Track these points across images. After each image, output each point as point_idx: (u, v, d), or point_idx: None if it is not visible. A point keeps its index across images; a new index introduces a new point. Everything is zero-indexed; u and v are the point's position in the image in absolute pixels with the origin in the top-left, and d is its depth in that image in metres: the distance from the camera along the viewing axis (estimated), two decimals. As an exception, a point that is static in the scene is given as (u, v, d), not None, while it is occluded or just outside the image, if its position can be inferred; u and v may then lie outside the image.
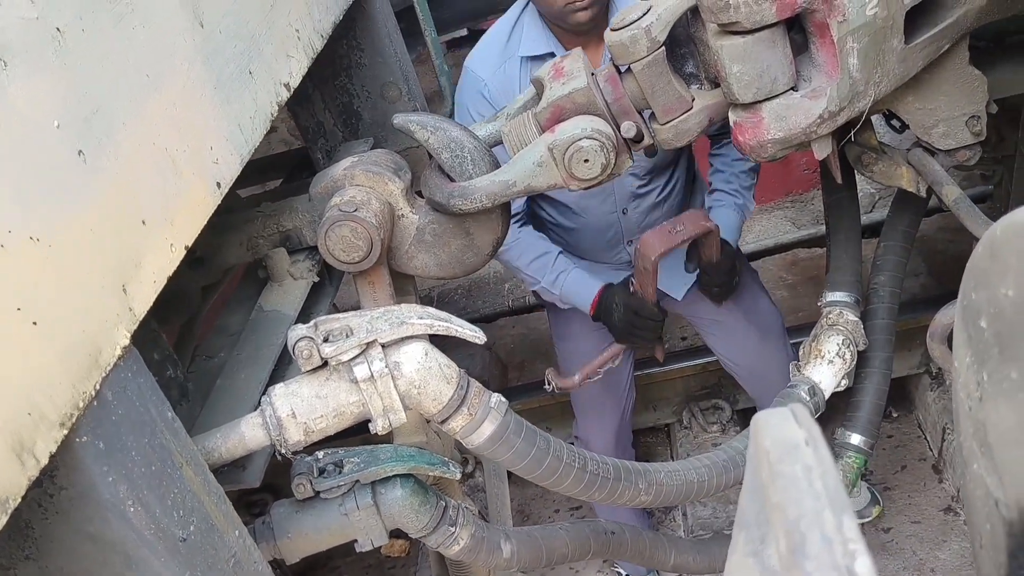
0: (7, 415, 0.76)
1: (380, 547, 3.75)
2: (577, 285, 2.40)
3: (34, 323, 0.82)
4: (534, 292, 2.56)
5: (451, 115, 2.41)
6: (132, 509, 0.90)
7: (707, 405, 3.43)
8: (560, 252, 2.44)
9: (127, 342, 0.94)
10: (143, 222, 1.02)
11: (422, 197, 1.66)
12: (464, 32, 3.79)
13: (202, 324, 1.79)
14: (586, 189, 1.59)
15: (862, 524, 3.11)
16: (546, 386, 2.34)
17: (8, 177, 0.82)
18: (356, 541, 1.35)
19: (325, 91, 2.08)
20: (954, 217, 1.67)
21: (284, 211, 1.68)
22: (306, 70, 1.57)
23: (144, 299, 0.99)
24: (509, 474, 2.93)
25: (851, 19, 1.37)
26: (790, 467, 0.47)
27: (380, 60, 2.07)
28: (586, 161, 1.52)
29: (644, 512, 3.18)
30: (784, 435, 0.50)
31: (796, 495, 0.46)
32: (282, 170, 2.51)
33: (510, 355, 4.04)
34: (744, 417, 3.36)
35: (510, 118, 1.66)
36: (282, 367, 1.48)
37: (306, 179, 1.91)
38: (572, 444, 1.48)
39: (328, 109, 2.10)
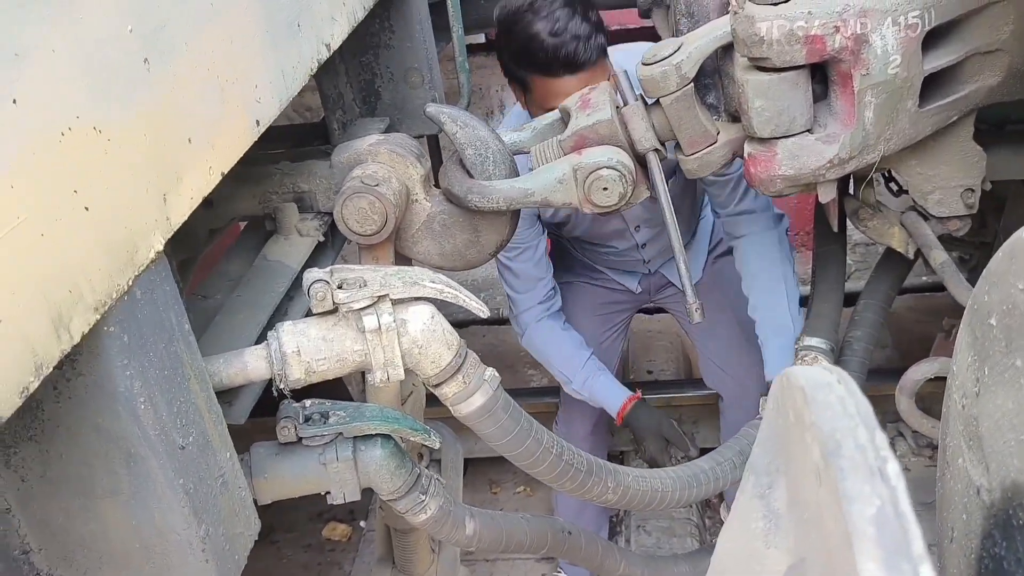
0: (51, 287, 0.78)
1: (322, 530, 3.68)
2: (606, 391, 2.54)
3: (86, 208, 0.84)
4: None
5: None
6: (143, 407, 0.93)
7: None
8: (592, 354, 2.53)
9: (161, 248, 0.97)
10: (189, 140, 1.05)
11: (438, 187, 1.70)
12: (482, 39, 3.85)
13: (198, 267, 1.81)
14: (600, 214, 1.65)
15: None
16: None
17: (84, 68, 0.86)
18: (328, 493, 1.37)
19: (350, 65, 2.12)
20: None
21: (302, 172, 1.70)
22: (346, 35, 1.61)
23: (180, 212, 1.02)
24: (464, 470, 2.94)
25: (874, 74, 1.44)
26: (825, 396, 0.52)
27: (408, 45, 2.11)
28: (605, 189, 1.58)
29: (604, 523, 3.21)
30: (818, 376, 0.55)
31: (831, 415, 0.50)
32: (288, 141, 2.52)
33: (476, 364, 4.06)
34: (701, 454, 3.39)
35: (536, 132, 1.72)
36: (278, 316, 1.51)
37: (322, 147, 1.95)
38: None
39: (350, 83, 2.13)
